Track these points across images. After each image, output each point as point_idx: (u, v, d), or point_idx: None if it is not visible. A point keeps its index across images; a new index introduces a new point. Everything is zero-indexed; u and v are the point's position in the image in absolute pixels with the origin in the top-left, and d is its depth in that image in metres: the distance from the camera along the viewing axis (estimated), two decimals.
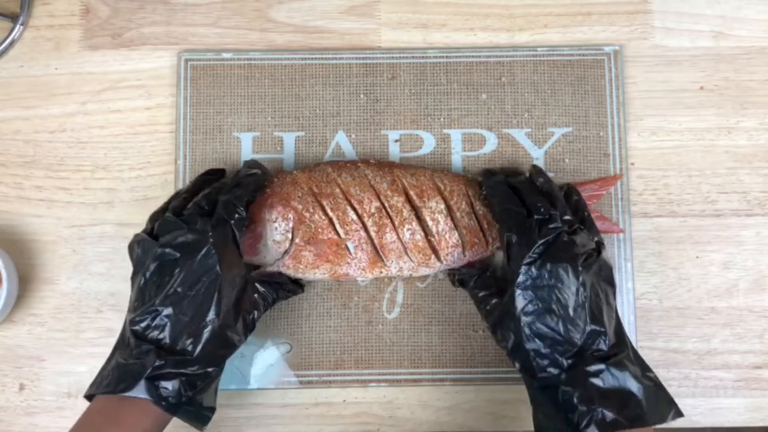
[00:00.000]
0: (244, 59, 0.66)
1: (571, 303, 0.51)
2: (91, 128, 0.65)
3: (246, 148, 0.65)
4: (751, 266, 0.64)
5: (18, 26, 0.66)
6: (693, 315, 0.63)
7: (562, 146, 0.65)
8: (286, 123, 0.65)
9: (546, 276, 0.51)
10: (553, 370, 0.50)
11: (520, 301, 0.51)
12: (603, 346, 0.51)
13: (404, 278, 0.62)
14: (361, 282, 0.62)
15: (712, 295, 0.63)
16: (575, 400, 0.49)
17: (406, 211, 0.59)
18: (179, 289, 0.51)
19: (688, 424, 0.62)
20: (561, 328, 0.50)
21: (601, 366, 0.49)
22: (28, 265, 0.64)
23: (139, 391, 0.48)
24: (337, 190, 0.59)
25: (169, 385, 0.49)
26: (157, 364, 0.49)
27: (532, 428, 0.53)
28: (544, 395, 0.51)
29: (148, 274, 0.52)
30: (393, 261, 0.59)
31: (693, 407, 0.62)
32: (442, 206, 0.59)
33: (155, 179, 0.65)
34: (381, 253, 0.58)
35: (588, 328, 0.51)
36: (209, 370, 0.51)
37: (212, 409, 0.54)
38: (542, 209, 0.54)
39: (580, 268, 0.51)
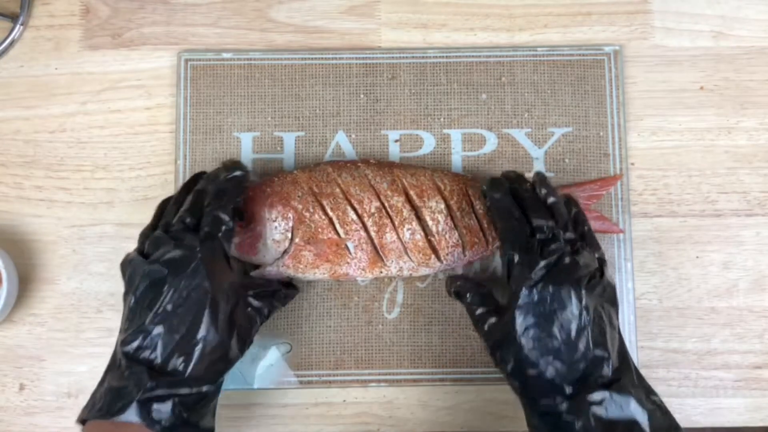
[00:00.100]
0: (244, 59, 0.66)
1: (573, 327, 0.49)
2: (91, 128, 0.65)
3: (246, 148, 0.65)
4: (751, 266, 0.64)
5: (18, 26, 0.66)
6: (693, 315, 0.63)
7: (562, 146, 0.65)
8: (286, 123, 0.65)
9: (548, 299, 0.49)
10: (554, 397, 0.49)
11: (521, 324, 0.50)
12: (607, 371, 0.49)
13: (404, 278, 0.62)
14: (361, 282, 0.62)
15: (712, 295, 0.63)
16: (577, 430, 0.47)
17: (406, 211, 0.59)
18: (168, 307, 0.49)
19: (688, 424, 0.62)
20: (563, 354, 0.49)
21: (605, 393, 0.47)
22: (28, 265, 0.64)
23: (131, 415, 0.46)
24: (337, 189, 0.59)
25: (162, 408, 0.47)
26: (149, 385, 0.47)
27: None
28: (543, 422, 0.49)
29: (138, 293, 0.50)
30: (393, 261, 0.59)
31: (693, 407, 0.62)
32: (442, 206, 0.59)
33: (155, 179, 0.65)
34: (381, 253, 0.58)
35: (590, 354, 0.49)
36: (204, 389, 0.50)
37: (210, 430, 0.51)
38: (545, 228, 0.52)
39: (583, 291, 0.50)
